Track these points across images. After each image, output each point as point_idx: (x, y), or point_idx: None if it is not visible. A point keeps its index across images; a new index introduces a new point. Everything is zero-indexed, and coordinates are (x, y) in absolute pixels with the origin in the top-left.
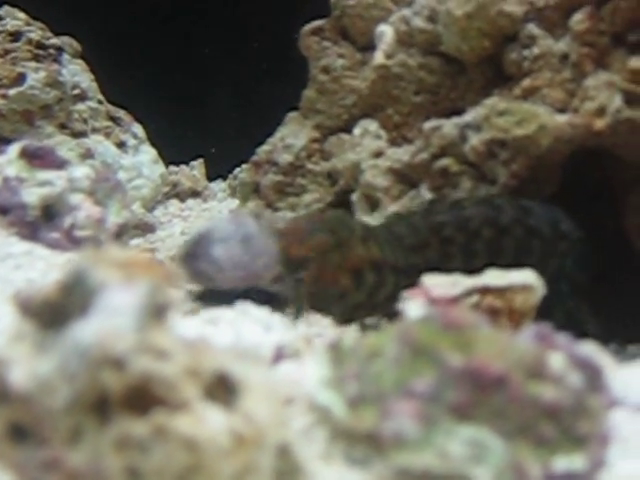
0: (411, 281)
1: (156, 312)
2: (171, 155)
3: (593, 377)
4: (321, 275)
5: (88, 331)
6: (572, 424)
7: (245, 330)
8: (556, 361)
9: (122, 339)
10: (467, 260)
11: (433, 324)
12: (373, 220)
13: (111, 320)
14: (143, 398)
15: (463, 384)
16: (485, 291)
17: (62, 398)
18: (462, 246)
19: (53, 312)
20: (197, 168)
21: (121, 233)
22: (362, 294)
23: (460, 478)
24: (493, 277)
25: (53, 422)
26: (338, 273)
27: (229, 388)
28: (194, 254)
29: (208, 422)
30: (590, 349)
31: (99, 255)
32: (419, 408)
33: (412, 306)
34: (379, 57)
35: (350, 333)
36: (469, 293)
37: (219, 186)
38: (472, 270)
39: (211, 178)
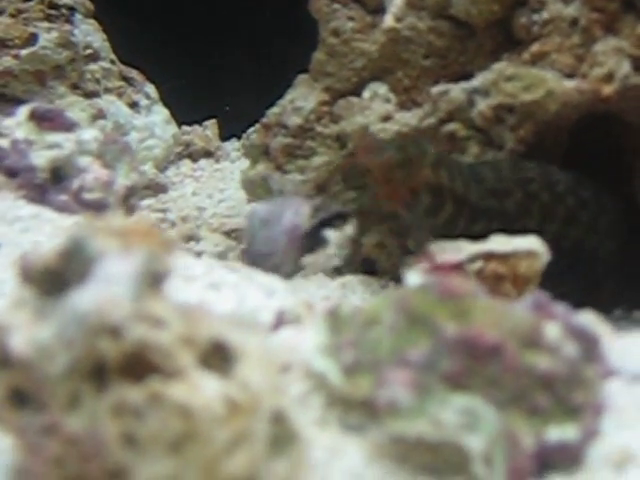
0: (481, 224)
1: (153, 280)
2: (185, 115)
3: (589, 347)
4: (387, 192)
5: (86, 299)
6: (567, 394)
7: (248, 295)
8: (552, 331)
9: (119, 307)
10: (543, 221)
11: (430, 293)
12: None
13: (108, 288)
14: (139, 365)
15: (458, 353)
16: (489, 257)
17: (60, 364)
18: (543, 206)
19: (53, 279)
20: (210, 128)
21: (130, 195)
22: (414, 215)
23: (453, 446)
24: (497, 243)
25: (52, 388)
26: (402, 191)
27: (225, 356)
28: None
29: (203, 389)
30: (588, 318)
31: (98, 223)
32: (413, 377)
33: (411, 274)
34: (389, 20)
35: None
36: (473, 259)
37: (233, 145)
38: (544, 232)
39: (225, 138)
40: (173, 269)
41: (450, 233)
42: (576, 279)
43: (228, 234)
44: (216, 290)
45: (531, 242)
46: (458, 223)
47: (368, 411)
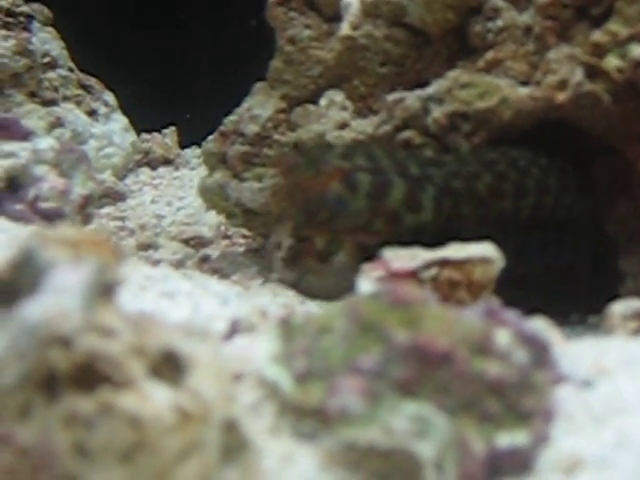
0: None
1: (103, 291)
2: (145, 123)
3: (539, 353)
4: (308, 187)
5: (36, 310)
6: (517, 400)
7: (202, 304)
8: (502, 337)
9: (69, 318)
10: (517, 197)
11: (381, 300)
12: None
13: (59, 299)
14: (90, 376)
15: (409, 360)
16: (444, 264)
17: (12, 376)
18: (514, 183)
19: (3, 291)
20: (169, 136)
21: (86, 204)
22: (361, 198)
23: (404, 453)
24: (452, 250)
25: (3, 399)
26: (325, 180)
27: (176, 365)
28: None
29: (153, 399)
30: (539, 324)
31: (49, 233)
32: (364, 384)
33: (363, 282)
34: (345, 28)
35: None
36: (428, 266)
37: (194, 152)
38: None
39: (186, 145)
40: (124, 279)
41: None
42: (557, 249)
43: (186, 242)
44: (171, 298)
45: (485, 249)
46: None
47: (320, 419)
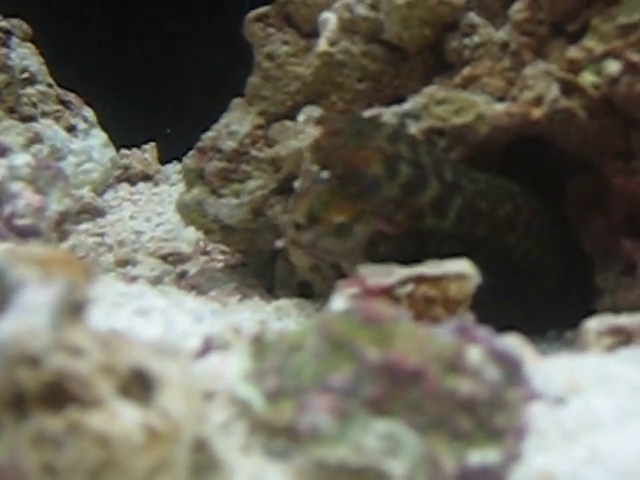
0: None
1: (72, 309)
2: (125, 138)
3: (512, 370)
4: (350, 158)
5: (4, 329)
6: (488, 417)
7: (176, 321)
8: (474, 355)
9: (38, 337)
10: (524, 233)
11: (353, 318)
12: None
13: (27, 318)
14: (58, 395)
15: (380, 378)
16: (420, 280)
17: None
18: (525, 221)
19: None
20: (149, 151)
21: (62, 221)
22: (396, 187)
23: (375, 471)
24: (428, 267)
25: None
26: (366, 159)
27: (145, 384)
28: None
29: (121, 418)
30: (512, 341)
31: (18, 252)
32: (335, 402)
33: (336, 299)
34: (323, 44)
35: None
36: (404, 282)
37: (175, 168)
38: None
39: (167, 160)
40: (93, 297)
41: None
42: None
43: (165, 258)
44: (144, 316)
45: (461, 265)
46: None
47: (291, 437)
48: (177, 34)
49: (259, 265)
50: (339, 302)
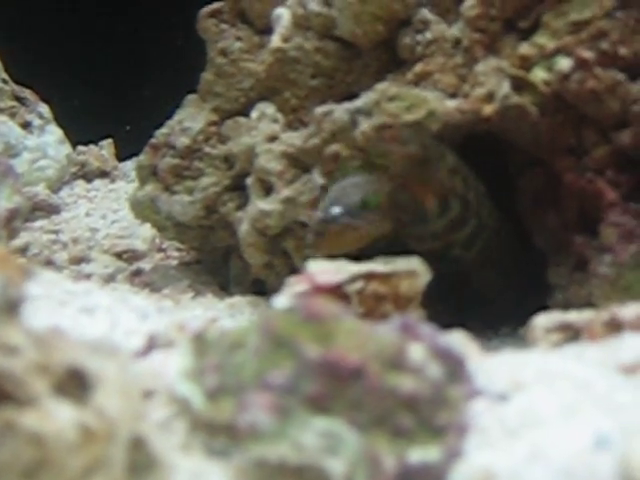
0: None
1: (7, 307)
2: (82, 135)
3: (454, 367)
4: (408, 185)
5: None
6: (430, 415)
7: (121, 319)
8: (416, 352)
9: None
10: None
11: (295, 315)
12: (267, 205)
13: None
14: None
15: (320, 376)
16: (370, 277)
17: None
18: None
19: None
20: (106, 148)
21: (12, 218)
22: (443, 223)
23: (314, 469)
24: (378, 263)
25: None
26: (426, 190)
27: (81, 383)
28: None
29: (56, 417)
30: (457, 338)
31: None
32: (274, 400)
33: (279, 296)
34: (276, 40)
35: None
36: (353, 279)
37: (133, 165)
38: None
39: (126, 157)
40: (29, 296)
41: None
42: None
43: (119, 255)
44: (89, 314)
45: (411, 262)
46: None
47: (231, 435)
48: (138, 29)
49: (213, 262)
50: (282, 299)
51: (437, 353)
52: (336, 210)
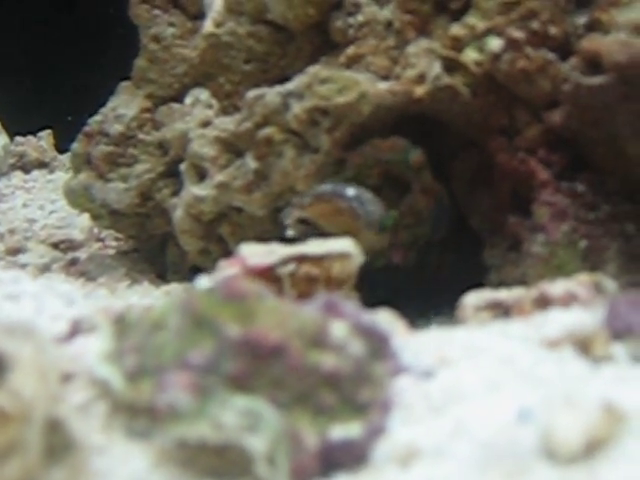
0: None
1: None
2: (20, 126)
3: (378, 344)
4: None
5: None
6: (353, 392)
7: (46, 305)
8: (338, 329)
9: None
10: None
11: (216, 295)
12: (201, 191)
13: None
14: None
15: (241, 354)
16: (302, 259)
17: None
18: None
19: None
20: (45, 139)
21: None
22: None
23: (236, 448)
24: (310, 246)
25: None
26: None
27: None
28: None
29: None
30: (384, 316)
31: None
32: (194, 379)
33: (201, 277)
34: (209, 25)
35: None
36: (285, 262)
37: None
38: None
39: (66, 148)
40: None
41: None
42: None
43: (56, 245)
44: (15, 300)
45: (344, 244)
46: None
47: (152, 416)
48: (78, 18)
49: (150, 250)
50: (204, 280)
51: (360, 330)
52: (351, 191)
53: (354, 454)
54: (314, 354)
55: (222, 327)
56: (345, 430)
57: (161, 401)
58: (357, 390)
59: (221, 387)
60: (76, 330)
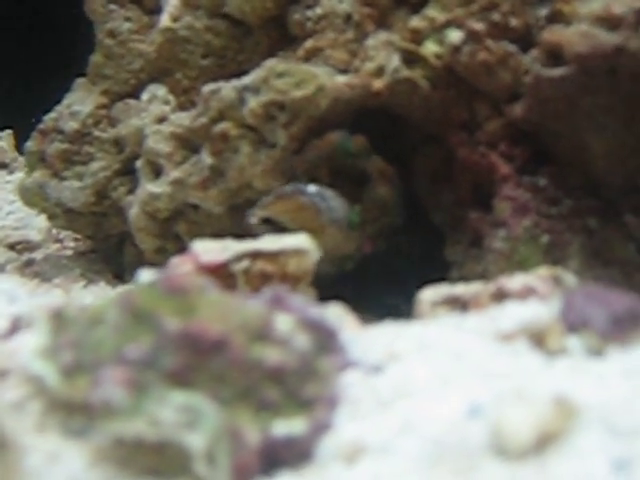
0: None
1: None
2: None
3: (325, 339)
4: None
5: None
6: (298, 387)
7: None
8: (283, 323)
9: None
10: None
11: (156, 289)
12: (156, 188)
13: None
14: None
15: (180, 349)
16: (256, 256)
17: None
18: None
19: None
20: (5, 139)
21: None
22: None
23: (174, 446)
24: (266, 242)
25: None
26: None
27: None
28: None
29: None
30: (335, 311)
31: None
32: (130, 375)
33: (143, 272)
34: (165, 20)
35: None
36: (239, 258)
37: None
38: None
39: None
40: None
41: None
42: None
43: (12, 246)
44: None
45: (300, 240)
46: None
47: (88, 414)
48: (40, 18)
49: (108, 250)
50: (146, 274)
51: (306, 324)
52: (312, 188)
53: (298, 451)
54: (257, 348)
55: (161, 321)
56: (288, 426)
57: (95, 397)
58: (302, 385)
59: (159, 383)
60: (16, 327)
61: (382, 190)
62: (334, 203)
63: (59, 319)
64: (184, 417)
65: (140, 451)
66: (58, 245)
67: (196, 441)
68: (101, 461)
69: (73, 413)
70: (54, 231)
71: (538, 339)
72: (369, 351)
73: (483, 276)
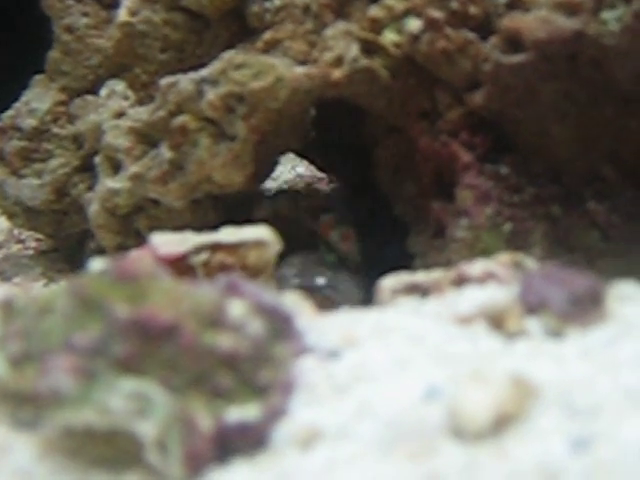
0: None
1: None
2: None
3: (280, 325)
4: None
5: None
6: (252, 373)
7: None
8: (236, 309)
9: None
10: None
11: (106, 276)
12: (115, 184)
13: None
14: None
15: (130, 336)
16: (216, 248)
17: None
18: None
19: None
20: None
21: None
22: None
23: (124, 434)
24: (225, 234)
25: None
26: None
27: None
28: None
29: None
30: (291, 298)
31: None
32: (78, 363)
33: (94, 260)
34: (123, 14)
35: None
36: (198, 250)
37: None
38: None
39: None
40: None
41: None
42: None
43: None
44: None
45: (260, 232)
46: None
47: (36, 404)
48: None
49: (69, 249)
50: (96, 263)
51: (261, 310)
52: (321, 280)
53: (252, 437)
54: (210, 334)
55: (111, 308)
56: (242, 412)
57: (43, 386)
58: (256, 371)
59: (108, 370)
60: None
61: (343, 247)
62: (345, 286)
63: (9, 309)
64: (134, 405)
65: (90, 441)
66: (20, 245)
67: (147, 429)
68: (50, 453)
69: (22, 404)
70: (16, 231)
71: (497, 322)
72: (326, 337)
73: (447, 266)
